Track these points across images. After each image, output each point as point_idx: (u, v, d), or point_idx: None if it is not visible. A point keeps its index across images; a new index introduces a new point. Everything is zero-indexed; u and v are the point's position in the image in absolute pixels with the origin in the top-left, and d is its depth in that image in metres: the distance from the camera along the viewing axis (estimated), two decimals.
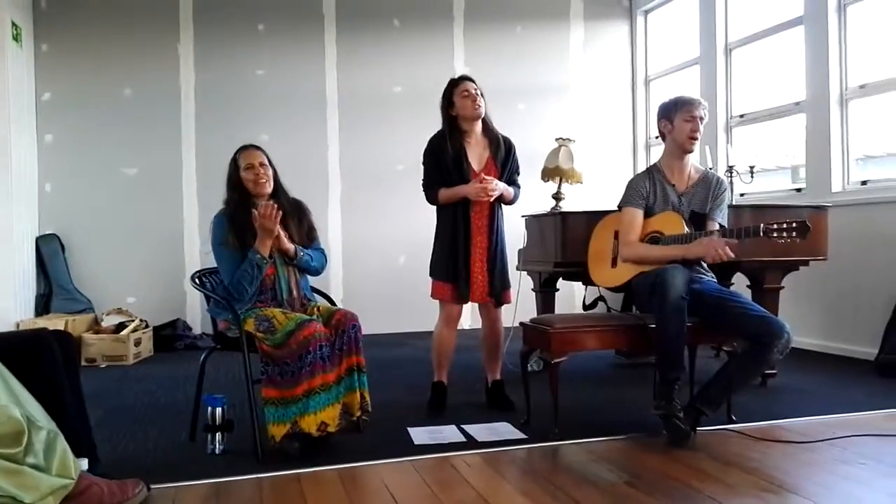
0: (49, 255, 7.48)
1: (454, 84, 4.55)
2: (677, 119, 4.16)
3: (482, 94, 4.51)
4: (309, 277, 4.14)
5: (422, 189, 4.60)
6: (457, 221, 4.49)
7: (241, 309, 3.76)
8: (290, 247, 3.91)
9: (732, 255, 3.85)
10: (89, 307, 7.53)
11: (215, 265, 3.99)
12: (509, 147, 4.63)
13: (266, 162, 3.97)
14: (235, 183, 3.94)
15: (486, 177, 4.42)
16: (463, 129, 4.54)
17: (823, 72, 6.45)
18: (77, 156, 7.72)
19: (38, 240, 7.49)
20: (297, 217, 4.08)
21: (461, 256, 4.48)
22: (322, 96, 8.31)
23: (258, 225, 3.74)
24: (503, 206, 4.62)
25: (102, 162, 7.78)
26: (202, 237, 7.81)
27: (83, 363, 6.37)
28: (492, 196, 4.42)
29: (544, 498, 3.02)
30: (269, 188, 3.96)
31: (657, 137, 4.30)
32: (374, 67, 8.41)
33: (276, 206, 3.78)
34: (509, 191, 4.55)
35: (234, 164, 3.96)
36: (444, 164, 4.46)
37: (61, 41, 7.71)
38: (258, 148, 4.01)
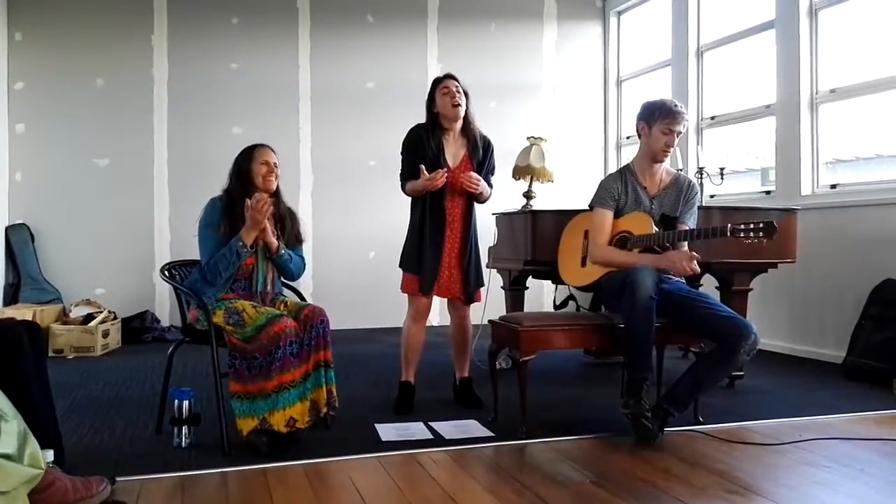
0: (18, 244, 7.40)
1: (437, 81, 4.58)
2: (656, 128, 4.13)
3: (465, 93, 4.52)
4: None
5: (399, 179, 4.60)
6: (429, 214, 4.49)
7: (212, 296, 3.78)
8: (274, 241, 3.96)
9: (698, 269, 3.87)
10: (58, 298, 7.45)
11: (185, 258, 3.99)
12: (487, 146, 4.65)
13: (278, 163, 4.05)
14: (244, 174, 3.98)
15: (470, 173, 4.44)
16: (444, 126, 4.55)
17: (794, 75, 6.50)
18: (48, 146, 7.64)
19: (7, 229, 7.40)
20: (288, 221, 4.14)
21: (430, 248, 4.47)
22: (295, 90, 8.28)
23: (248, 214, 3.78)
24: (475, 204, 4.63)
25: (74, 152, 7.71)
26: (173, 229, 7.79)
27: (50, 354, 6.32)
28: (473, 187, 4.43)
29: (510, 496, 3.02)
30: (275, 187, 4.03)
31: (629, 138, 4.29)
32: (348, 62, 8.38)
33: (268, 199, 3.85)
34: (487, 190, 4.57)
35: (247, 156, 4.01)
36: (419, 156, 4.46)
37: (35, 31, 7.63)
38: (272, 149, 4.08)
